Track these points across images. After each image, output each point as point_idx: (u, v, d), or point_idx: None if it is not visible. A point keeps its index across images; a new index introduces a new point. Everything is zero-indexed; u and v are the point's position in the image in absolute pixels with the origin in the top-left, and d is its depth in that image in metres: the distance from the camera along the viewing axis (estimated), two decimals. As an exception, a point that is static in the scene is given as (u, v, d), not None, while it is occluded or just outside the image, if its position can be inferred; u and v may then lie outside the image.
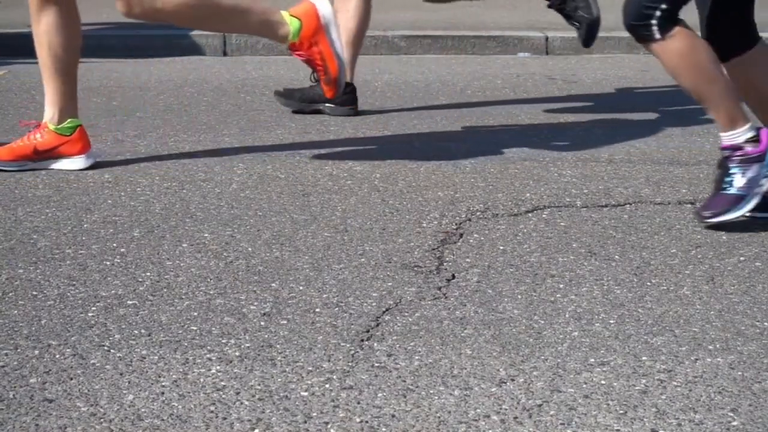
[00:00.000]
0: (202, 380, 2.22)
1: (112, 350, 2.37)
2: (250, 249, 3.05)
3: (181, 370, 2.27)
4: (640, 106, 5.36)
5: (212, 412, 2.09)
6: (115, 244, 3.08)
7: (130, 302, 2.65)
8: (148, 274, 2.85)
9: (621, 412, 2.11)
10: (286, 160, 4.08)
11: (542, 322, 2.56)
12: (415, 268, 2.92)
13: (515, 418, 2.08)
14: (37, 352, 2.36)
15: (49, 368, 2.27)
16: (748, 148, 3.24)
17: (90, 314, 2.57)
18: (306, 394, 2.16)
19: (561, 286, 2.79)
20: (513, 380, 2.24)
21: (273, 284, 2.78)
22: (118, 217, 3.35)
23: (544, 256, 3.04)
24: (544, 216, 3.42)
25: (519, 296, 2.72)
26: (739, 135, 3.25)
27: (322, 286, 2.78)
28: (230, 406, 2.11)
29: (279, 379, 2.24)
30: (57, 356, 2.33)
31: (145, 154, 4.16)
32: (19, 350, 2.36)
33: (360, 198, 3.60)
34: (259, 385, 2.21)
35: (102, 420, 2.05)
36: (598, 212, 3.48)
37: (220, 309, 2.62)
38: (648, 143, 4.50)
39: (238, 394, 2.17)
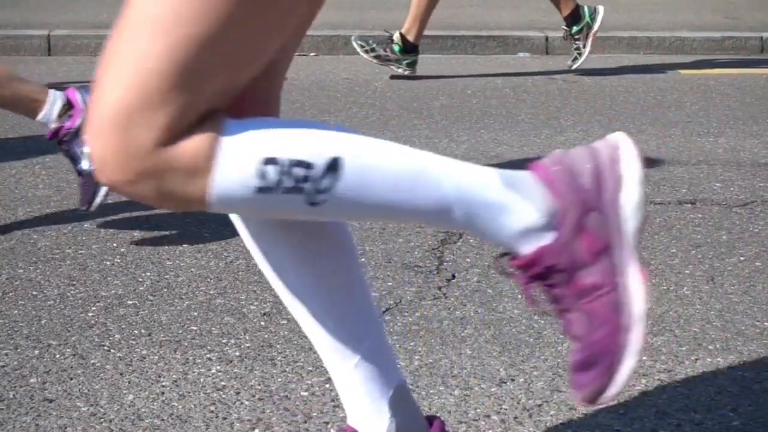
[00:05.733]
0: (202, 380, 2.22)
1: (112, 350, 2.37)
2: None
3: (181, 370, 2.27)
4: (641, 105, 5.36)
5: (212, 412, 2.09)
6: (115, 244, 3.08)
7: (130, 302, 2.65)
8: (148, 274, 2.85)
9: (621, 412, 2.10)
10: (286, 160, 4.08)
11: (542, 322, 2.56)
12: (415, 268, 2.92)
13: (515, 418, 2.08)
14: (37, 352, 2.36)
15: (49, 368, 2.27)
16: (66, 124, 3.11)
17: (90, 314, 2.57)
18: (306, 394, 2.16)
19: (561, 286, 2.79)
20: (513, 380, 2.24)
21: (273, 284, 2.78)
22: (118, 217, 3.35)
23: (544, 256, 3.03)
24: (544, 216, 3.42)
25: (519, 296, 2.72)
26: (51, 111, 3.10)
27: (322, 286, 2.77)
28: (230, 406, 2.11)
29: (279, 379, 2.23)
30: (57, 356, 2.33)
31: (145, 154, 4.16)
32: (19, 350, 2.36)
33: (360, 198, 3.60)
34: (259, 385, 2.21)
35: (102, 420, 2.05)
36: (598, 212, 3.47)
37: (220, 309, 2.62)
38: (648, 143, 4.50)
39: (238, 394, 2.17)
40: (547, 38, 7.25)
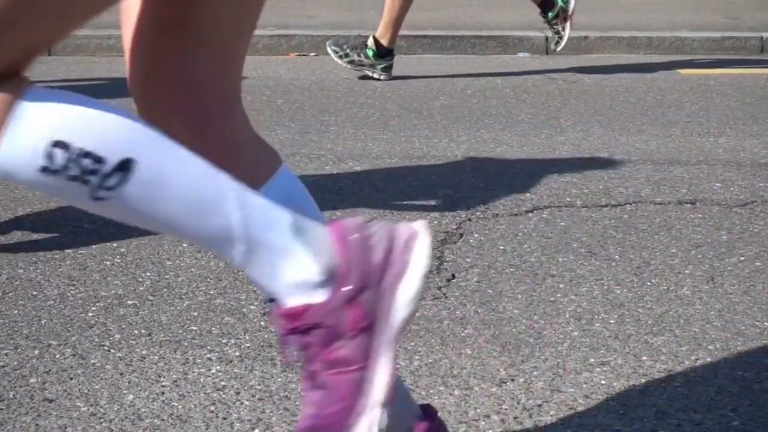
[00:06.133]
0: (202, 380, 2.22)
1: (112, 350, 2.37)
2: (250, 249, 3.05)
3: (181, 370, 2.27)
4: (641, 105, 5.36)
5: (212, 412, 2.09)
6: (115, 244, 3.08)
7: (130, 302, 2.65)
8: (148, 274, 2.85)
9: (621, 412, 2.10)
10: (286, 160, 4.07)
11: (542, 322, 2.56)
12: (415, 268, 2.91)
13: (515, 418, 2.08)
14: (37, 352, 2.36)
15: (49, 368, 2.27)
16: None
17: (90, 314, 2.57)
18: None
19: (561, 286, 2.79)
20: (513, 380, 2.24)
21: (273, 284, 2.78)
22: (118, 217, 3.35)
23: (544, 255, 3.04)
24: (544, 216, 3.42)
25: (519, 296, 2.72)
26: None
27: (322, 286, 2.77)
28: (230, 406, 2.11)
29: (279, 379, 2.23)
30: (57, 356, 2.33)
31: (145, 154, 4.16)
32: (19, 350, 2.36)
33: (360, 198, 3.60)
34: (259, 385, 2.21)
35: (102, 420, 2.05)
36: (598, 212, 3.48)
37: (220, 309, 2.62)
38: (648, 143, 4.50)
39: (238, 394, 2.17)
40: (547, 38, 7.25)
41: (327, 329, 1.53)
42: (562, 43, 6.42)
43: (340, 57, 6.00)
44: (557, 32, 6.38)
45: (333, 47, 6.05)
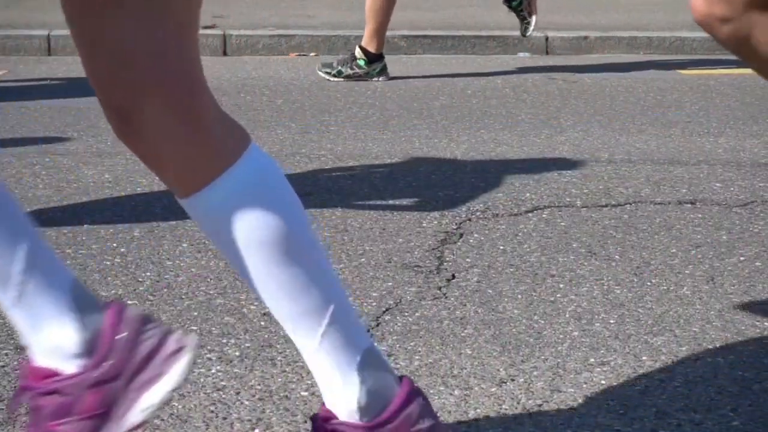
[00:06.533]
0: (202, 380, 2.22)
1: (112, 350, 2.37)
2: (250, 249, 3.05)
3: (181, 370, 2.27)
4: (640, 105, 5.36)
5: (212, 412, 2.09)
6: (115, 244, 3.08)
7: (130, 302, 2.65)
8: (148, 274, 2.85)
9: (621, 412, 2.10)
10: (286, 160, 4.08)
11: (542, 322, 2.56)
12: (415, 268, 2.92)
13: (515, 418, 2.08)
14: (37, 352, 2.35)
15: (49, 368, 2.27)
16: None
17: (90, 314, 2.57)
18: (306, 394, 2.16)
19: (561, 286, 2.79)
20: (513, 380, 2.24)
21: (273, 284, 2.78)
22: (118, 217, 3.35)
23: (544, 256, 3.04)
24: (544, 216, 3.42)
25: (519, 296, 2.72)
26: None
27: (322, 286, 2.77)
28: (230, 406, 2.11)
29: (279, 379, 2.23)
30: (57, 356, 2.33)
31: (145, 154, 4.15)
32: (19, 350, 2.36)
33: (360, 198, 3.60)
34: (259, 385, 2.21)
35: (102, 420, 2.05)
36: (598, 212, 3.48)
37: (220, 309, 2.62)
38: (648, 143, 4.50)
39: (238, 394, 2.17)
40: (547, 38, 7.25)
41: (64, 401, 1.56)
42: (531, 28, 6.46)
43: (334, 75, 6.00)
44: (524, 18, 6.42)
45: (324, 70, 6.04)
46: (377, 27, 6.01)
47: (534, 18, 6.44)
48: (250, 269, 1.61)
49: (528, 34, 6.52)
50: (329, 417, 1.66)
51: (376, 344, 1.64)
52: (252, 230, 1.58)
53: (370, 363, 1.67)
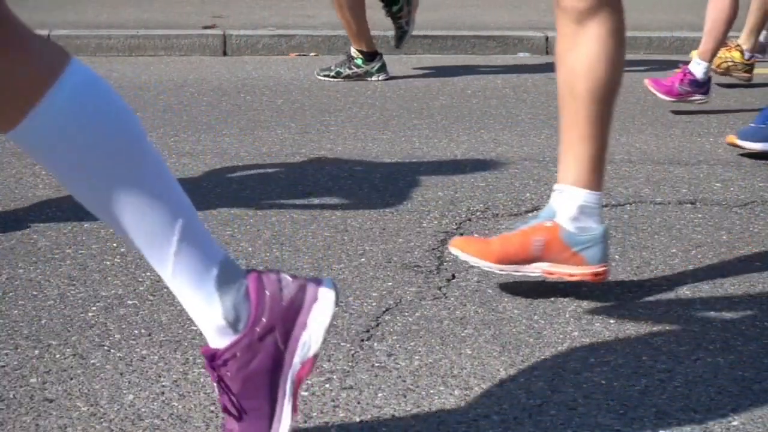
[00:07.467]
0: (202, 380, 2.22)
1: (112, 350, 2.37)
2: (250, 249, 3.05)
3: (181, 370, 2.27)
4: (640, 105, 5.36)
5: (212, 412, 2.09)
6: (115, 244, 3.08)
7: (130, 302, 2.65)
8: (148, 274, 2.85)
9: (621, 412, 2.10)
10: (286, 160, 4.08)
11: (542, 322, 2.56)
12: (415, 268, 2.92)
13: (515, 418, 2.08)
14: (37, 352, 2.35)
15: (49, 368, 2.27)
16: None
17: (90, 314, 2.57)
18: (306, 394, 2.16)
19: (561, 286, 2.79)
20: (513, 380, 2.24)
21: (273, 284, 2.78)
22: (118, 217, 3.35)
23: (544, 256, 3.03)
24: (544, 216, 3.42)
25: (519, 296, 2.72)
26: None
27: (322, 286, 2.77)
28: (230, 406, 2.11)
29: (279, 379, 2.23)
30: (57, 356, 2.33)
31: (145, 154, 4.15)
32: (19, 350, 2.36)
33: (360, 198, 3.60)
34: (259, 385, 2.21)
35: (102, 420, 2.05)
36: (598, 212, 3.47)
37: (220, 309, 2.62)
38: (648, 143, 4.50)
39: (238, 394, 2.16)
40: (547, 38, 7.25)
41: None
42: (406, 38, 6.31)
43: (333, 77, 6.00)
44: (400, 27, 6.25)
45: (322, 73, 6.03)
46: (357, 31, 6.01)
47: (412, 27, 6.27)
48: (91, 195, 1.64)
49: (399, 45, 6.34)
50: (212, 353, 1.73)
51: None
52: (85, 150, 1.58)
53: (226, 274, 1.71)
